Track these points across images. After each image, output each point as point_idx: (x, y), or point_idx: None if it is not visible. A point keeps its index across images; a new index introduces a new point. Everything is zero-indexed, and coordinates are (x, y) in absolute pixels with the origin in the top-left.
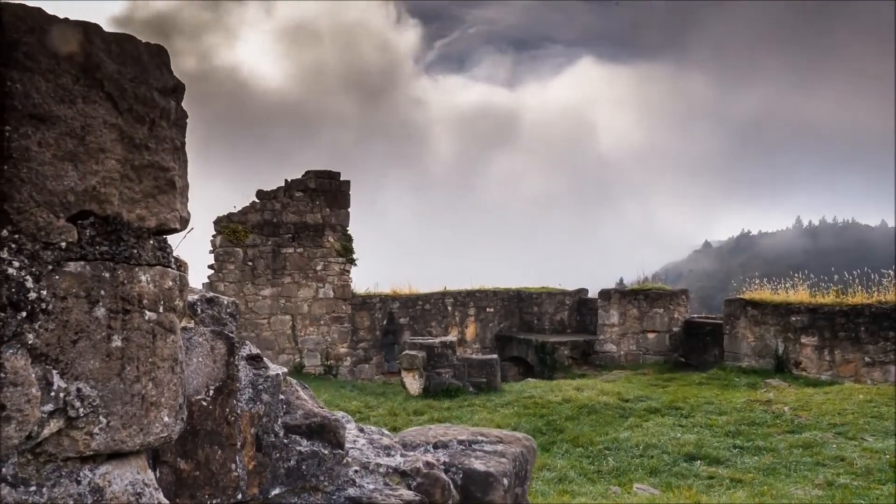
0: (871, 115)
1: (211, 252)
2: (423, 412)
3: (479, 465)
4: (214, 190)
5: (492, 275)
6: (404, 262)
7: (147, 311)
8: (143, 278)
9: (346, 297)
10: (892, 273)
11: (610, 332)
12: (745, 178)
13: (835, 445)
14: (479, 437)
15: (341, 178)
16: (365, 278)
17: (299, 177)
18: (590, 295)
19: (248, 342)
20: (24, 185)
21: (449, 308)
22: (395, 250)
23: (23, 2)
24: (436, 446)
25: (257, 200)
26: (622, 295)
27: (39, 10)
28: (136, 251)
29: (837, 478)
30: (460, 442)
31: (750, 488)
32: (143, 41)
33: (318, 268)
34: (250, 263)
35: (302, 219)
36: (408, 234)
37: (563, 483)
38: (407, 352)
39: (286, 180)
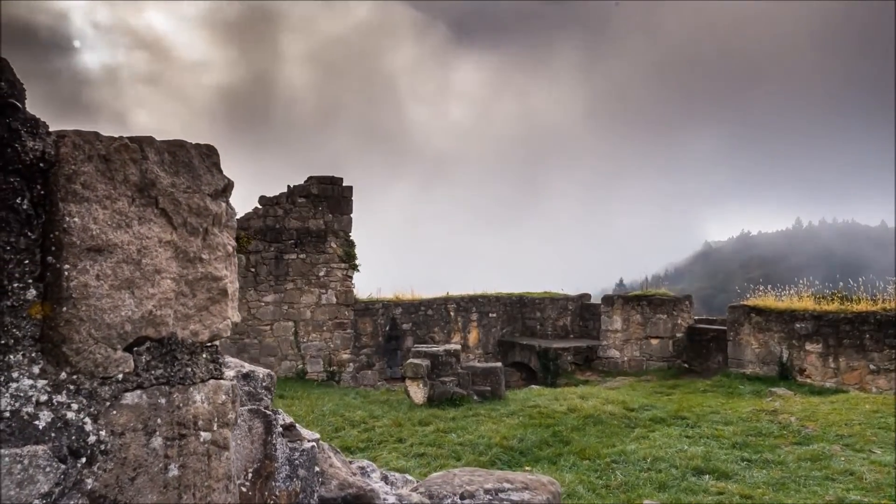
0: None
1: None
2: (428, 422)
3: None
4: None
5: (494, 279)
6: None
7: (202, 433)
8: (198, 398)
9: (348, 303)
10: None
11: (613, 338)
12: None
13: (843, 459)
14: (505, 485)
15: (344, 184)
16: (368, 284)
17: (302, 182)
18: (592, 300)
19: (281, 411)
20: (82, 323)
21: (451, 313)
22: None
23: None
24: (462, 496)
25: (260, 206)
26: (625, 301)
27: (96, 134)
28: (189, 369)
29: (848, 494)
30: (487, 491)
31: None
32: (193, 143)
33: (321, 274)
34: (253, 270)
35: (304, 224)
36: None
37: (572, 499)
38: (411, 360)
39: (289, 186)
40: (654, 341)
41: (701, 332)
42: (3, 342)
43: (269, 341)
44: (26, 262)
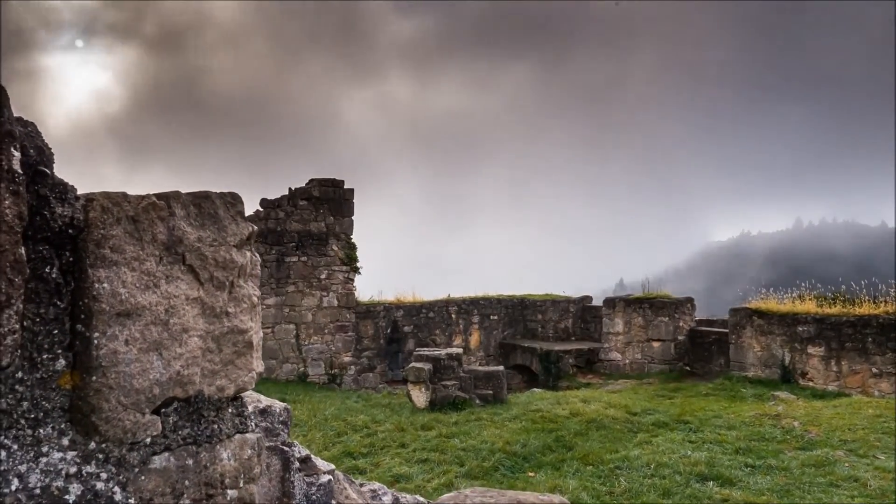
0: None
1: None
2: (430, 427)
3: None
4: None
5: (495, 282)
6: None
7: (229, 491)
8: (225, 455)
9: (349, 306)
10: None
11: (615, 341)
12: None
13: (847, 464)
14: None
15: (345, 187)
16: (369, 286)
17: (303, 185)
18: (593, 301)
19: (297, 443)
20: (112, 391)
21: (453, 316)
22: None
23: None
24: None
25: (261, 209)
26: (627, 303)
27: (124, 195)
28: (216, 426)
29: (853, 500)
30: None
31: None
32: (218, 193)
33: (322, 276)
34: None
35: (306, 227)
36: None
37: None
38: (413, 364)
39: (290, 189)
40: (656, 344)
41: (703, 335)
42: (32, 416)
43: (270, 344)
44: (55, 332)
